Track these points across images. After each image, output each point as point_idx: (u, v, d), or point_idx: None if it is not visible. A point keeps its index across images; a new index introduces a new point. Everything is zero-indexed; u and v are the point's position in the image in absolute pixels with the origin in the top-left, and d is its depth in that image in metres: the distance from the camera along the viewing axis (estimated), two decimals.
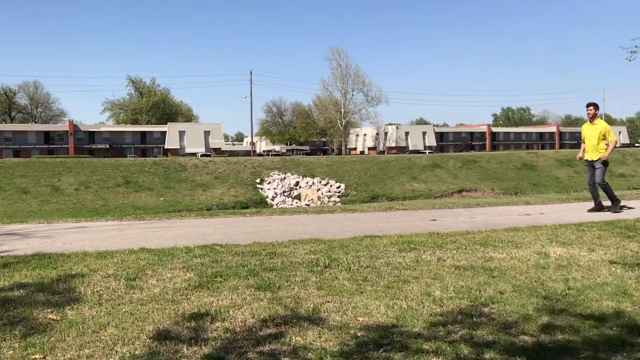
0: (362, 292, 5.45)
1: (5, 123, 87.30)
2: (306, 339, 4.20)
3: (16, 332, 4.39)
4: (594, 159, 11.76)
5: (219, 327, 4.51)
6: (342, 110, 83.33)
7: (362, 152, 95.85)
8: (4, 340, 4.22)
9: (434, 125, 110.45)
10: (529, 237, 8.36)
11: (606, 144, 11.71)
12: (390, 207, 14.14)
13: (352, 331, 4.35)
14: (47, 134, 78.90)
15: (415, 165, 46.62)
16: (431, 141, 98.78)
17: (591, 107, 11.66)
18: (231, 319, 4.70)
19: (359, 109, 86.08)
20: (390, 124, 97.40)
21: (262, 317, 4.73)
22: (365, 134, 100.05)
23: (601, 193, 12.02)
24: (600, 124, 11.74)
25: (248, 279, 5.99)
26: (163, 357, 3.89)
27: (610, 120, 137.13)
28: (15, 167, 38.79)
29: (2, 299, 5.35)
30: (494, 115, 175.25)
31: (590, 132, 11.80)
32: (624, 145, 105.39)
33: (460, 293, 5.40)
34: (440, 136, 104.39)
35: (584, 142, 12.12)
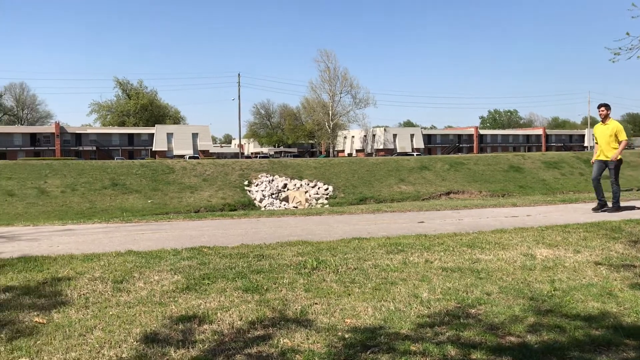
0: (349, 294, 5.46)
1: None
2: (294, 341, 4.21)
3: (2, 335, 4.35)
4: (607, 158, 11.84)
5: (206, 329, 4.50)
6: (330, 112, 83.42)
7: (350, 155, 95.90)
8: None
9: (421, 128, 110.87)
10: (516, 239, 8.41)
11: (618, 143, 11.75)
12: (378, 209, 14.18)
13: (340, 333, 4.36)
14: (33, 136, 78.21)
15: (403, 168, 46.76)
16: (419, 143, 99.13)
17: (602, 108, 11.77)
18: (219, 321, 4.70)
19: (346, 111, 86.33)
20: (378, 126, 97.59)
21: (250, 319, 4.72)
22: (353, 136, 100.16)
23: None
24: (612, 124, 11.80)
25: (236, 281, 5.99)
26: None
27: (595, 122, 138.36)
28: (1, 169, 38.39)
29: None
30: (482, 117, 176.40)
31: (603, 132, 11.89)
32: None
33: (447, 294, 5.42)
34: (428, 138, 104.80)
35: (596, 143, 12.15)
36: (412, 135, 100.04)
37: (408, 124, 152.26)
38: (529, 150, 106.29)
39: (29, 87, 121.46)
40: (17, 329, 4.50)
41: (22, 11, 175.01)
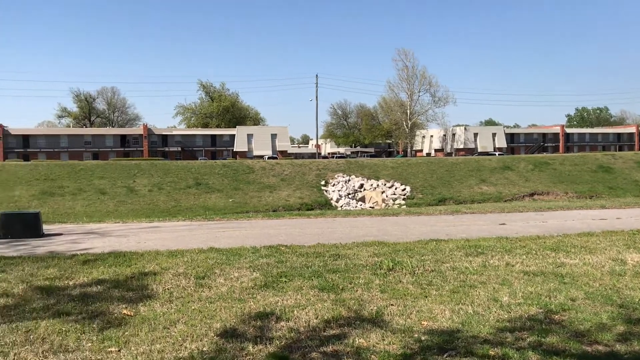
0: (426, 296, 5.40)
1: (86, 127, 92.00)
2: (369, 341, 4.21)
3: (94, 325, 4.64)
4: None
5: (283, 326, 4.59)
6: (408, 111, 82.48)
7: (428, 154, 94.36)
8: (84, 332, 4.47)
9: (504, 126, 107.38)
10: (604, 243, 8.01)
11: None
12: (457, 210, 13.90)
13: (416, 335, 4.32)
14: (123, 137, 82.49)
15: (485, 168, 45.45)
16: (501, 143, 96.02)
17: None
18: (295, 318, 4.78)
19: (425, 110, 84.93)
20: (458, 125, 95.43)
21: (326, 317, 4.77)
22: (431, 136, 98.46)
23: None
24: None
25: (312, 279, 6.07)
26: (229, 354, 4.00)
27: None
28: (94, 169, 40.82)
29: (82, 294, 5.67)
30: (568, 115, 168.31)
31: None
32: None
33: (529, 299, 5.25)
34: (510, 137, 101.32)
35: None
36: (493, 134, 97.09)
37: (490, 122, 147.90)
38: (620, 149, 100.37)
39: (120, 90, 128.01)
40: (107, 320, 4.79)
41: (110, 17, 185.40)
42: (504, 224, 10.84)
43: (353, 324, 4.60)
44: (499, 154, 74.40)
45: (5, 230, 10.49)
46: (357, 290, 5.62)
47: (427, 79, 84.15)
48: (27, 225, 10.61)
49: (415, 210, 14.53)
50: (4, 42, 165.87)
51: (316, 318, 4.77)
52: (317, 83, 77.20)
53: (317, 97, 76.52)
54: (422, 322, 4.62)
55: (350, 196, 38.57)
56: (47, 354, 4.02)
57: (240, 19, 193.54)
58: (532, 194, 39.84)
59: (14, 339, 4.31)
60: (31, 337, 4.36)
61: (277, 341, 4.25)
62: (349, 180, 40.70)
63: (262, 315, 4.85)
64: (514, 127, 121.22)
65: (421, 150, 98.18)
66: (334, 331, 4.45)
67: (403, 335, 4.32)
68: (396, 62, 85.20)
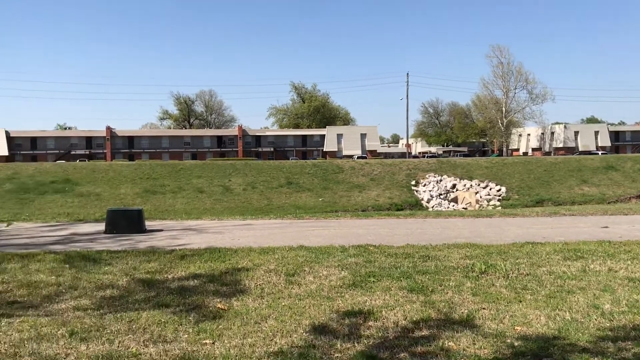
0: (520, 301, 5.21)
1: (185, 129, 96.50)
2: (459, 344, 4.12)
3: (190, 318, 4.88)
4: None
5: (371, 326, 4.60)
6: (503, 109, 79.64)
7: (525, 153, 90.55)
8: (181, 324, 4.71)
9: (608, 124, 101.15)
10: None
11: None
12: (555, 212, 13.28)
13: (509, 340, 4.18)
14: (219, 138, 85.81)
15: (586, 167, 43.00)
16: (604, 141, 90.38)
17: None
18: (384, 318, 4.77)
19: (521, 108, 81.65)
20: (557, 123, 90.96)
21: (415, 319, 4.73)
22: (529, 134, 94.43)
23: None
24: None
25: (401, 280, 6.03)
26: (319, 350, 4.06)
27: None
28: (193, 168, 42.77)
29: (180, 287, 5.98)
30: None
31: None
32: None
33: (634, 307, 4.92)
34: (615, 136, 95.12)
35: None
36: (596, 133, 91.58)
37: (592, 120, 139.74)
38: None
39: (217, 93, 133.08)
40: (202, 313, 5.01)
41: (214, 25, 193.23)
42: (606, 227, 10.23)
43: (443, 326, 4.53)
44: (602, 153, 70.15)
45: (111, 226, 11.23)
46: (447, 293, 5.52)
47: (523, 75, 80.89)
48: (131, 222, 11.30)
49: (511, 212, 14.04)
50: (114, 54, 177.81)
51: (405, 319, 4.74)
52: (407, 81, 76.35)
53: (407, 95, 75.70)
54: (516, 327, 4.46)
55: (441, 196, 37.82)
56: (147, 343, 4.27)
57: (330, 19, 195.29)
58: (639, 196, 37.22)
59: (118, 327, 4.62)
60: (133, 326, 4.65)
61: (365, 340, 4.27)
62: (440, 180, 39.93)
63: (350, 314, 4.89)
64: (619, 124, 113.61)
65: (518, 150, 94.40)
66: (423, 333, 4.41)
67: (495, 339, 4.19)
68: (490, 59, 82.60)
